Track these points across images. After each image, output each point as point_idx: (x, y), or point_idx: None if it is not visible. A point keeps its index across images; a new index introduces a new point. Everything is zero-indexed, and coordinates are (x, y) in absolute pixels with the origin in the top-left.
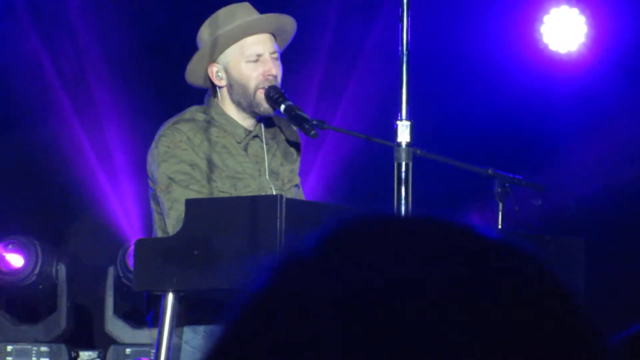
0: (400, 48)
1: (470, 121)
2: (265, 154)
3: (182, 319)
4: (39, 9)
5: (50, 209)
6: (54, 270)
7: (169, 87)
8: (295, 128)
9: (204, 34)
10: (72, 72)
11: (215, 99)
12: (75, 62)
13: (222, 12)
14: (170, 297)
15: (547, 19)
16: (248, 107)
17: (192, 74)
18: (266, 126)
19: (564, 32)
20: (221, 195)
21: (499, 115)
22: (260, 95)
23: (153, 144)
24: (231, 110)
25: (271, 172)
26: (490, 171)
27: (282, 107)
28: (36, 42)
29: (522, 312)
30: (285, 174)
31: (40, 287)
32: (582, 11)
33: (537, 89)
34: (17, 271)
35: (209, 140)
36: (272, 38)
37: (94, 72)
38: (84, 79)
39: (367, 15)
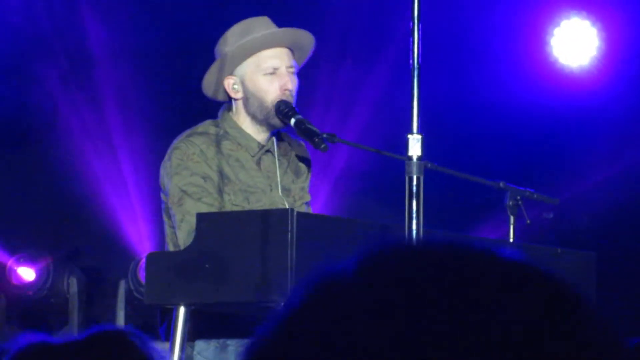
0: (411, 61)
1: (482, 134)
2: (277, 169)
3: (194, 332)
4: (49, 27)
5: (61, 223)
6: (65, 283)
7: (179, 103)
8: (304, 145)
9: (222, 45)
10: (84, 90)
11: (230, 113)
12: (87, 80)
13: (241, 25)
14: (181, 310)
15: (557, 31)
16: (264, 119)
17: (208, 86)
18: (278, 142)
19: (575, 46)
20: (234, 208)
21: (510, 128)
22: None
23: (166, 157)
24: (245, 123)
25: (283, 189)
26: (502, 184)
27: (292, 120)
28: (48, 60)
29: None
30: (297, 192)
31: (52, 300)
32: (594, 23)
33: (549, 102)
34: (29, 285)
35: (222, 153)
36: (290, 52)
37: (106, 90)
38: (95, 96)
39: (378, 29)
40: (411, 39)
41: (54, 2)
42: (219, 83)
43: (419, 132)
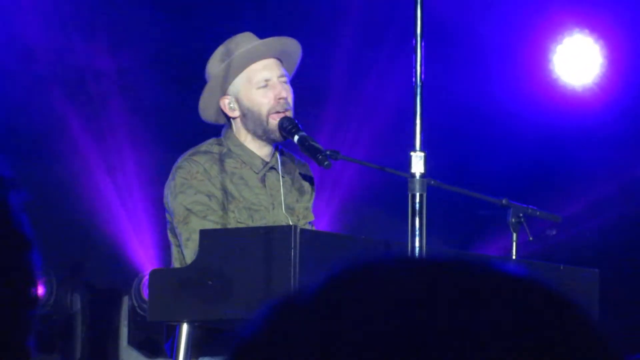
0: (413, 79)
1: (484, 152)
2: (282, 187)
3: (197, 349)
4: (52, 39)
5: (64, 239)
6: (69, 300)
7: (186, 121)
8: (308, 165)
9: (211, 68)
10: (90, 108)
11: (231, 131)
12: (94, 98)
13: (225, 44)
14: (185, 327)
15: (560, 48)
16: (263, 134)
17: (205, 110)
18: (282, 160)
19: (578, 63)
20: (239, 225)
21: (513, 146)
22: (273, 121)
23: (170, 176)
24: (247, 140)
25: (287, 207)
26: (504, 201)
27: (296, 137)
28: (50, 73)
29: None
30: (301, 211)
31: (55, 316)
32: (597, 40)
33: (551, 120)
34: None
35: (225, 171)
36: (279, 62)
37: (112, 107)
38: (100, 113)
39: (381, 46)
40: (414, 57)
41: (55, 15)
42: (215, 105)
43: (422, 149)
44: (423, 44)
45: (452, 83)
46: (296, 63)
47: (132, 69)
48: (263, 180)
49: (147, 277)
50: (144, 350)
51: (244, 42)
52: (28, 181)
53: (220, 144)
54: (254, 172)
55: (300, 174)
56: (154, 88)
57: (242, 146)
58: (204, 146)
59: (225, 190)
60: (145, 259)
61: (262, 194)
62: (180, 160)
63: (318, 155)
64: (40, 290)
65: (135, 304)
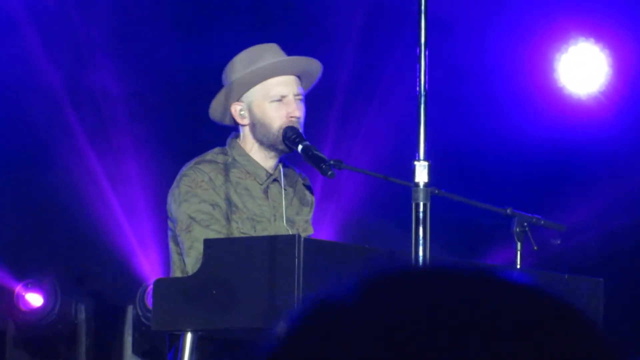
0: (417, 88)
1: (488, 161)
2: (283, 199)
3: (201, 358)
4: (60, 51)
5: (69, 249)
6: (73, 309)
7: (189, 128)
8: (308, 179)
9: (231, 72)
10: (92, 114)
11: (237, 141)
12: (96, 103)
13: (249, 51)
14: (188, 336)
15: (565, 57)
16: (271, 146)
17: (215, 111)
18: (285, 172)
19: (583, 72)
20: (242, 235)
21: (517, 154)
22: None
23: (174, 184)
24: (253, 149)
25: (287, 219)
26: (509, 211)
27: (300, 147)
28: (58, 84)
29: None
30: (301, 223)
31: (60, 326)
32: (603, 49)
33: (556, 129)
34: (36, 310)
35: (230, 181)
36: (297, 80)
37: (114, 113)
38: (103, 120)
39: (385, 55)
40: (418, 66)
41: (56, 20)
42: (226, 109)
43: (426, 158)
44: (427, 53)
45: (456, 92)
46: (314, 82)
47: (139, 84)
48: (266, 191)
49: (151, 286)
50: (148, 359)
51: (269, 54)
52: (34, 192)
53: (225, 154)
54: (258, 183)
55: (301, 187)
56: (159, 101)
57: (247, 156)
58: (209, 155)
59: (229, 200)
60: (149, 269)
61: (264, 205)
62: (185, 169)
63: (322, 164)
64: (41, 300)
65: (140, 313)
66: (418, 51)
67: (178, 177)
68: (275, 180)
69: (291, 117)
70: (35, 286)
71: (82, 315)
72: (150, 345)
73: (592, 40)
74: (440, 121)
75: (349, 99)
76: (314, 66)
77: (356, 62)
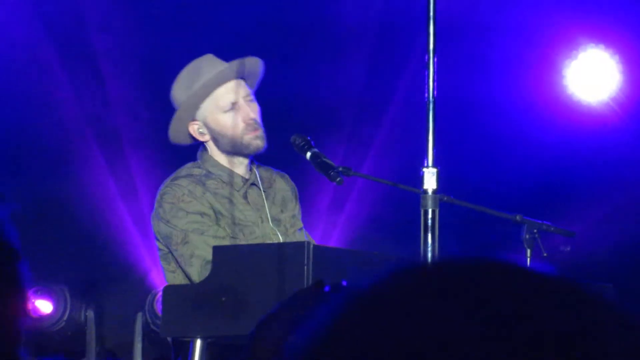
0: (426, 95)
1: (498, 168)
2: (265, 201)
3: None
4: (69, 57)
5: (79, 256)
6: (82, 316)
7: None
8: (287, 176)
9: (177, 94)
10: (103, 121)
11: (208, 153)
12: (106, 110)
13: (188, 69)
14: (198, 343)
15: (574, 64)
16: (238, 152)
17: (176, 135)
18: (260, 175)
19: (593, 79)
20: (232, 241)
21: (526, 161)
22: (248, 138)
23: (156, 204)
24: (222, 159)
25: (273, 219)
26: (518, 217)
27: (308, 154)
28: (68, 92)
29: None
30: (287, 220)
31: (69, 333)
32: (613, 55)
33: (566, 136)
34: (46, 317)
35: (209, 191)
36: (242, 82)
37: (124, 120)
38: (113, 127)
39: (395, 63)
40: (426, 72)
41: (61, 17)
42: (185, 130)
43: (435, 165)
44: (436, 60)
45: (465, 99)
46: (258, 78)
47: (152, 93)
48: (245, 197)
49: (160, 293)
50: None
51: (207, 67)
52: (44, 199)
53: (198, 167)
54: (236, 189)
55: (280, 184)
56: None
57: (219, 166)
58: (184, 170)
59: (213, 208)
60: (158, 276)
61: (247, 210)
62: (162, 188)
63: (330, 171)
64: (50, 307)
65: (149, 320)
66: (427, 58)
67: (158, 197)
68: (252, 184)
69: (248, 120)
70: (45, 293)
71: (91, 322)
72: (160, 352)
73: (601, 46)
74: (450, 128)
75: (358, 107)
76: (253, 65)
77: (366, 70)
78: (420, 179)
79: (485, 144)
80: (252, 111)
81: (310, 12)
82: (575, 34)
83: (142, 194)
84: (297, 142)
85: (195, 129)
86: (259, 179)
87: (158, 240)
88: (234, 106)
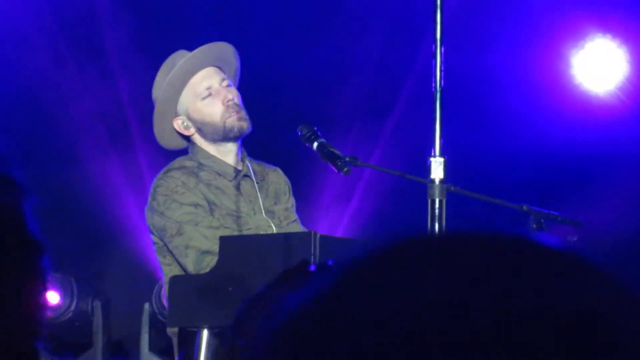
0: (433, 85)
1: (505, 157)
2: (258, 192)
3: (217, 356)
4: (80, 49)
5: (86, 246)
6: (89, 306)
7: None
8: (280, 170)
9: (156, 92)
10: (111, 111)
11: (197, 146)
12: (115, 101)
13: (163, 66)
14: (204, 333)
15: (582, 54)
16: (224, 138)
17: (163, 136)
18: (254, 168)
19: (600, 69)
20: (226, 231)
21: (533, 151)
22: (230, 120)
23: (150, 198)
24: (211, 150)
25: (266, 211)
26: (525, 207)
27: (315, 144)
28: (78, 82)
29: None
30: (281, 212)
31: (76, 323)
32: (621, 45)
33: (573, 126)
34: (53, 308)
35: (202, 182)
36: (217, 69)
37: (132, 111)
38: (123, 120)
39: (403, 52)
40: (433, 62)
41: (71, 7)
42: (171, 130)
43: (442, 155)
44: (443, 49)
45: (472, 89)
46: (236, 68)
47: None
48: (238, 188)
49: None
50: (165, 357)
51: (180, 58)
52: (51, 190)
53: (190, 159)
54: (228, 180)
55: (274, 177)
56: None
57: (211, 158)
58: (176, 163)
59: (206, 199)
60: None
61: (240, 201)
62: (156, 180)
63: (337, 161)
64: (57, 298)
65: (156, 311)
66: (433, 48)
67: (151, 190)
68: (245, 176)
69: (228, 102)
70: (52, 283)
71: (98, 313)
72: (167, 342)
73: (609, 36)
74: (456, 118)
75: (366, 96)
76: (224, 50)
77: (375, 60)
78: (427, 169)
79: (493, 133)
80: (229, 93)
81: (320, 2)
82: (583, 23)
83: (149, 185)
84: (304, 132)
85: (179, 124)
86: (251, 171)
87: (152, 233)
88: (210, 92)
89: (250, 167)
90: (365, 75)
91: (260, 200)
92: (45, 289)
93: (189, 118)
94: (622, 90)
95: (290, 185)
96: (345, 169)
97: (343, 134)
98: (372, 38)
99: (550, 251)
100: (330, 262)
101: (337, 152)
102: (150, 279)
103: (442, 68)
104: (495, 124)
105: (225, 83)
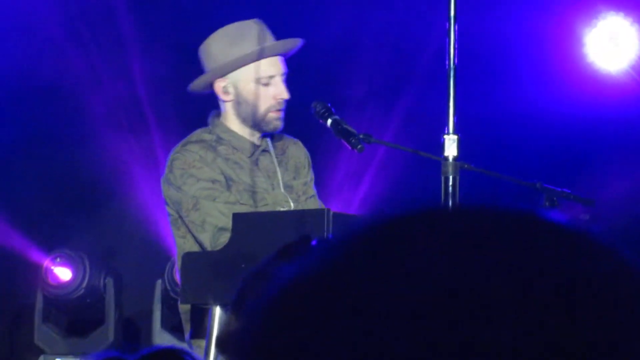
0: (447, 62)
1: (518, 135)
2: (277, 167)
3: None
4: (95, 31)
5: (98, 222)
6: (101, 283)
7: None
8: (300, 143)
9: (213, 50)
10: (126, 91)
11: (219, 119)
12: (129, 82)
13: (233, 30)
14: (217, 310)
15: (594, 32)
16: (255, 125)
17: (197, 85)
18: (273, 142)
19: (613, 47)
20: (242, 207)
21: (546, 129)
22: (272, 115)
23: (167, 170)
24: (235, 125)
25: (285, 186)
26: (538, 185)
27: (329, 121)
28: (96, 60)
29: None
30: (299, 187)
31: (88, 300)
32: (634, 23)
33: (585, 105)
34: (65, 284)
35: (220, 156)
36: (282, 59)
37: (146, 91)
38: (136, 98)
39: (417, 30)
40: (447, 40)
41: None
42: (208, 82)
43: (455, 132)
44: (456, 27)
45: (485, 67)
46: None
47: (169, 54)
48: (256, 163)
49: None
50: (177, 334)
51: (259, 35)
52: (64, 167)
53: (209, 132)
54: (246, 156)
55: (293, 151)
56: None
57: (231, 132)
58: (194, 136)
59: (224, 174)
60: None
61: (258, 176)
62: (173, 153)
63: (351, 138)
64: (69, 274)
65: (169, 288)
66: (447, 25)
67: (168, 162)
68: (264, 151)
69: (279, 98)
70: (64, 260)
71: (110, 290)
72: (179, 319)
73: (621, 14)
74: (470, 95)
75: (379, 74)
76: (296, 46)
77: (389, 38)
78: (441, 146)
79: (506, 112)
80: (285, 91)
81: None
82: (595, 1)
83: (162, 161)
84: (317, 109)
85: (221, 86)
86: (270, 146)
87: (168, 205)
88: (270, 81)
89: (269, 142)
90: (378, 53)
91: (280, 174)
92: None
93: (236, 88)
94: (635, 69)
95: (310, 159)
96: (359, 146)
97: (357, 112)
98: (386, 15)
99: (560, 228)
100: (330, 237)
101: (351, 129)
102: (162, 256)
103: (456, 45)
104: (508, 102)
105: (284, 77)
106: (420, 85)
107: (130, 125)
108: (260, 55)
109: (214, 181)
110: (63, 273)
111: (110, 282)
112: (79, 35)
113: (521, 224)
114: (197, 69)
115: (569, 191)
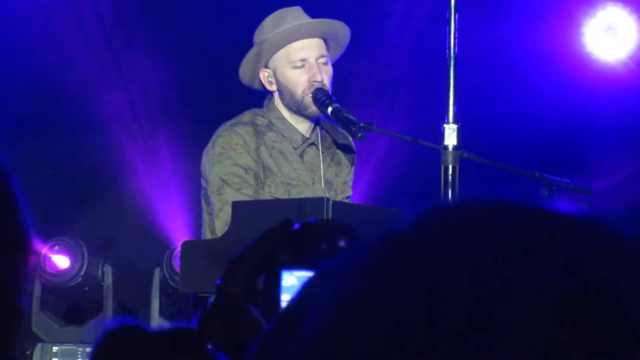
0: (447, 51)
1: (517, 125)
2: (321, 162)
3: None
4: (104, 23)
5: (96, 210)
6: (100, 271)
7: (218, 92)
8: (350, 137)
9: (258, 34)
10: (121, 77)
11: (273, 103)
12: (124, 67)
13: (275, 15)
14: None
15: (592, 22)
16: (297, 111)
17: (245, 76)
18: (323, 134)
19: (611, 37)
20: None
21: (545, 119)
22: (308, 99)
23: (210, 144)
24: (285, 113)
25: (326, 182)
26: (537, 174)
27: (330, 109)
28: (102, 51)
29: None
30: (339, 185)
31: (86, 288)
32: (632, 13)
33: (584, 94)
34: (63, 272)
35: (265, 144)
36: (322, 43)
37: (143, 77)
38: (132, 83)
39: (417, 19)
40: (448, 29)
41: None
42: (255, 73)
43: (455, 121)
44: (457, 16)
45: (484, 57)
46: (343, 46)
47: (169, 46)
48: (302, 155)
49: (179, 248)
50: (175, 322)
51: (291, 17)
52: (63, 155)
53: (262, 115)
54: (293, 147)
55: (341, 147)
56: (193, 75)
57: (283, 119)
58: (246, 116)
59: (263, 164)
60: (177, 231)
61: (301, 169)
62: (221, 129)
63: (351, 127)
64: (67, 262)
65: (167, 276)
66: (448, 14)
67: (214, 137)
68: (312, 144)
69: (313, 81)
70: (62, 248)
71: (108, 278)
72: (177, 307)
73: (620, 4)
74: (470, 85)
75: (380, 62)
76: (339, 29)
77: (389, 26)
78: (440, 135)
79: (505, 101)
80: (319, 73)
81: None
82: None
83: (161, 150)
84: (318, 97)
85: (265, 76)
86: (319, 139)
87: (202, 177)
88: (303, 64)
89: (319, 135)
90: (379, 44)
91: (322, 170)
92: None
93: (275, 76)
94: (633, 59)
95: (355, 158)
96: (360, 135)
97: (358, 101)
98: (388, 6)
99: (566, 218)
100: (312, 220)
101: (351, 117)
102: (161, 245)
103: (456, 35)
104: (508, 91)
105: (322, 60)
106: (420, 74)
107: (128, 112)
108: (289, 37)
109: (247, 170)
110: (61, 261)
111: (108, 270)
112: (87, 34)
113: (533, 219)
114: (199, 68)
115: (568, 181)
